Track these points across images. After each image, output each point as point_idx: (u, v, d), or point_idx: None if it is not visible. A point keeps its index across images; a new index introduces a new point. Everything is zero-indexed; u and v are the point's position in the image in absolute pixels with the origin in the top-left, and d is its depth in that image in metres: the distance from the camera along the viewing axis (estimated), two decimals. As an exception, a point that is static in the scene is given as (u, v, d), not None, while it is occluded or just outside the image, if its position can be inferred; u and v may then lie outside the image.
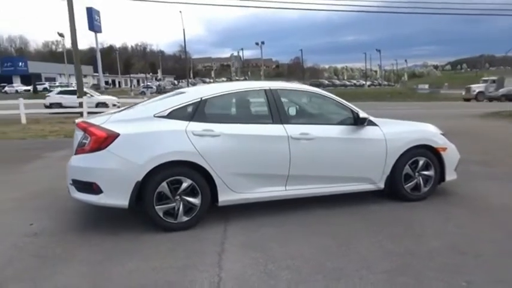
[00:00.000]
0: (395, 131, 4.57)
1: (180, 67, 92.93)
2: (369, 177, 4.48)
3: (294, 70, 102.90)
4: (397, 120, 5.30)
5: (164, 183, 3.74)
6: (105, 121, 3.84)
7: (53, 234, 3.82)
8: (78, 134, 3.90)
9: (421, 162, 4.63)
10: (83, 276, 2.97)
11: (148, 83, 67.81)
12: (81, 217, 4.29)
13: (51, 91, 28.79)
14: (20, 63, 59.45)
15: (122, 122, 3.84)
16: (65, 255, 3.34)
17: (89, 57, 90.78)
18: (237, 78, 69.80)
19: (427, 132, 4.80)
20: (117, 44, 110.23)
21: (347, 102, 4.53)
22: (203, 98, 4.05)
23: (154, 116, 3.86)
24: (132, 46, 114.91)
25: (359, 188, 4.48)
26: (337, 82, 67.01)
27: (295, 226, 3.94)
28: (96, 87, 54.39)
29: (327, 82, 64.90)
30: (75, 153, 3.84)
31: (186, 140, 3.79)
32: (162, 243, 3.57)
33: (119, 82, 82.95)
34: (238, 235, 3.75)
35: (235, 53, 77.01)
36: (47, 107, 19.43)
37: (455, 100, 34.17)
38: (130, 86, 73.82)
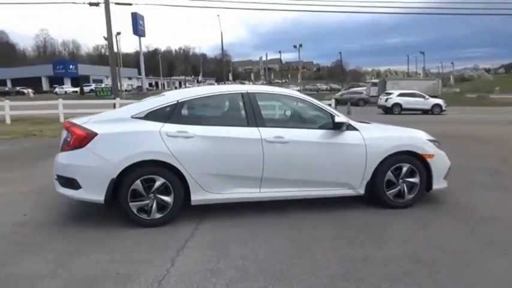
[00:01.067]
0: (377, 136, 4.50)
1: (221, 70, 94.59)
2: (348, 183, 4.44)
3: (335, 73, 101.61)
4: (387, 125, 5.21)
5: (138, 181, 3.94)
6: (87, 121, 4.11)
7: (39, 225, 4.13)
8: (64, 133, 4.19)
9: (404, 169, 4.52)
10: (46, 264, 3.21)
11: (188, 85, 69.58)
12: (72, 211, 4.57)
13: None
14: (71, 66, 63.16)
15: (101, 122, 4.09)
16: (41, 245, 3.62)
17: (134, 60, 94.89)
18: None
19: (412, 138, 4.67)
20: (162, 48, 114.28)
21: (327, 107, 4.53)
22: (179, 101, 4.22)
23: (131, 117, 4.08)
24: (175, 50, 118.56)
25: (337, 193, 4.46)
26: (377, 85, 65.25)
27: (264, 228, 3.99)
28: (139, 89, 56.63)
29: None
30: (61, 151, 4.13)
31: (159, 141, 3.96)
32: (132, 238, 3.76)
33: (162, 84, 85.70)
34: (206, 233, 3.88)
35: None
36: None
37: (506, 105, 32.18)
38: (171, 88, 76.08)
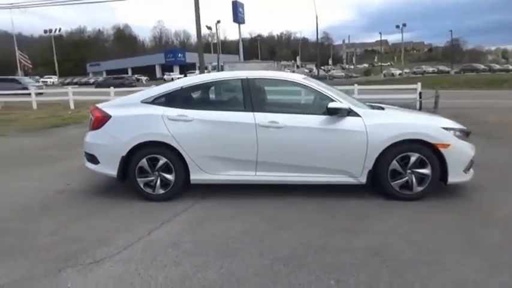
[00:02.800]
0: (381, 123, 4.25)
1: (321, 54, 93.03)
2: (347, 170, 4.31)
3: (450, 53, 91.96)
4: (407, 112, 4.85)
5: (144, 160, 4.42)
6: (106, 105, 4.70)
7: (73, 193, 4.90)
8: (90, 116, 4.86)
9: (413, 159, 4.20)
10: (54, 224, 3.87)
11: (286, 70, 70.16)
12: (105, 184, 5.26)
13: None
14: (179, 54, 68.57)
15: (116, 106, 4.65)
16: (61, 209, 4.34)
17: (237, 47, 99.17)
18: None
19: (422, 126, 4.28)
20: (264, 33, 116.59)
21: (330, 92, 4.40)
22: (183, 87, 4.56)
23: (141, 102, 4.55)
24: (277, 35, 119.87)
25: (337, 180, 4.36)
26: (497, 67, 56.99)
27: (253, 209, 4.15)
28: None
29: (482, 67, 55.90)
30: (88, 131, 4.81)
31: (161, 124, 4.37)
32: (132, 209, 4.27)
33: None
34: (198, 211, 4.19)
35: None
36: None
37: None
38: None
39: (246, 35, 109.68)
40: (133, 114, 4.48)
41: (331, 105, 4.17)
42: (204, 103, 4.58)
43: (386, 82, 33.42)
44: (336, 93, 4.61)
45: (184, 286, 2.67)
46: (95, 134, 4.59)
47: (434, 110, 14.69)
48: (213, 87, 4.76)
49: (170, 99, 4.51)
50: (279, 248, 3.23)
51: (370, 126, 4.22)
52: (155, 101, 4.52)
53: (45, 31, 62.15)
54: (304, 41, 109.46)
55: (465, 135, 4.49)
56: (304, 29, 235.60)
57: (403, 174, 4.24)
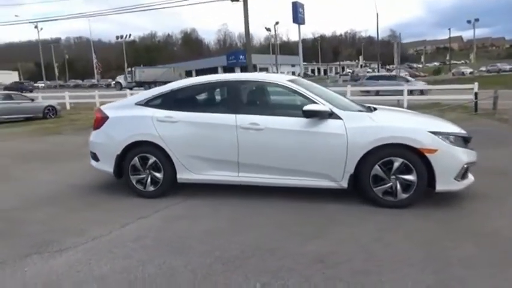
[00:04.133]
0: (363, 126, 4.08)
1: (387, 53, 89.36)
2: (328, 174, 4.20)
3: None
4: (401, 113, 4.61)
5: (136, 158, 4.69)
6: (107, 107, 5.06)
7: (82, 188, 5.33)
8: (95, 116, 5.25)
9: (396, 164, 3.99)
10: (48, 215, 4.28)
11: (348, 71, 68.45)
12: (110, 180, 5.62)
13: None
14: (241, 56, 69.83)
15: (114, 107, 4.99)
16: (63, 201, 4.76)
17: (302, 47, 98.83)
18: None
19: (405, 129, 4.03)
20: (328, 33, 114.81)
21: (312, 95, 4.32)
22: (173, 89, 4.76)
23: (135, 104, 4.83)
24: (341, 34, 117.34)
25: (318, 184, 4.27)
26: None
27: (229, 209, 4.23)
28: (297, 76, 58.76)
29: None
30: (92, 131, 5.20)
31: (150, 125, 4.61)
32: (121, 204, 4.55)
33: (324, 70, 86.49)
34: (179, 209, 4.36)
35: (439, 36, 68.06)
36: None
37: None
38: (326, 74, 76.20)
39: (309, 35, 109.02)
40: (128, 115, 4.78)
41: (306, 107, 4.10)
42: (190, 105, 4.73)
43: (453, 82, 31.25)
44: (323, 95, 4.52)
45: (120, 277, 2.84)
46: (96, 133, 4.96)
47: (494, 111, 13.56)
48: (199, 90, 4.90)
49: (161, 102, 4.74)
50: (230, 248, 3.28)
51: (351, 129, 4.08)
52: (148, 103, 4.78)
53: (117, 37, 66.99)
54: (370, 39, 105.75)
55: (462, 140, 4.16)
56: (370, 27, 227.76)
57: (386, 180, 4.04)
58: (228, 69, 69.73)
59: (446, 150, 3.93)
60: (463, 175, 4.03)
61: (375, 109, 4.80)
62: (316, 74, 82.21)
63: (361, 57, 68.64)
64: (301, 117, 4.23)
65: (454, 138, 4.06)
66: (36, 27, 54.38)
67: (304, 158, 4.22)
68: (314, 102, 4.23)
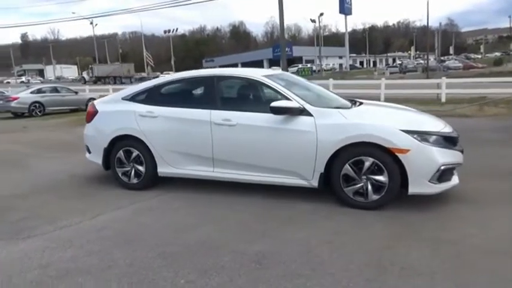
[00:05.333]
0: (331, 123, 3.93)
1: (443, 43, 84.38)
2: (298, 172, 4.10)
3: None
4: (385, 108, 4.42)
5: (121, 151, 4.87)
6: (99, 101, 5.27)
7: (80, 177, 5.62)
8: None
9: (367, 164, 3.80)
10: (38, 202, 4.57)
11: (399, 62, 65.61)
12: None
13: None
14: (287, 49, 69.03)
15: (104, 102, 5.19)
16: (57, 189, 5.06)
17: (350, 39, 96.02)
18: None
19: (374, 127, 3.80)
20: (379, 23, 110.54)
21: (286, 91, 4.21)
22: (155, 85, 4.86)
23: (121, 99, 4.99)
24: (393, 24, 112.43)
25: (290, 182, 4.19)
26: None
27: (202, 204, 4.29)
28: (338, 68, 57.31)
29: None
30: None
31: (133, 119, 4.75)
32: (105, 195, 4.74)
33: (374, 62, 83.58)
34: (155, 201, 4.47)
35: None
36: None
37: None
38: (375, 66, 73.46)
39: (359, 26, 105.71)
40: (114, 110, 4.95)
41: (273, 104, 4.01)
42: (169, 101, 4.79)
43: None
44: (302, 91, 4.42)
45: (61, 266, 2.97)
46: (88, 126, 5.20)
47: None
48: (178, 86, 4.95)
49: (144, 97, 4.86)
50: (179, 243, 3.32)
51: (321, 126, 3.95)
52: (133, 98, 4.92)
53: (165, 31, 69.06)
54: (424, 29, 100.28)
55: (444, 140, 3.88)
56: (425, 16, 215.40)
57: (357, 180, 3.87)
58: (274, 61, 69.48)
59: (419, 151, 3.68)
60: (440, 177, 3.75)
61: (361, 104, 4.63)
62: (365, 65, 79.59)
63: (412, 48, 65.33)
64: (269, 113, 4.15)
65: (432, 137, 3.79)
66: (91, 23, 57.53)
67: (275, 155, 4.15)
68: (287, 98, 4.13)
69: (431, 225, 3.50)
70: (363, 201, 3.88)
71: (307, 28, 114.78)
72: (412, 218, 3.67)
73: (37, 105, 16.96)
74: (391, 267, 2.78)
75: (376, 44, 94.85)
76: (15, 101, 16.73)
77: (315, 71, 50.86)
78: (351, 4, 54.43)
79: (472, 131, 8.70)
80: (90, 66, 57.39)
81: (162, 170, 4.71)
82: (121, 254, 3.14)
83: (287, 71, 54.41)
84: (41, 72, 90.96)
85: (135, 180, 4.85)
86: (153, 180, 4.83)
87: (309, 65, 56.55)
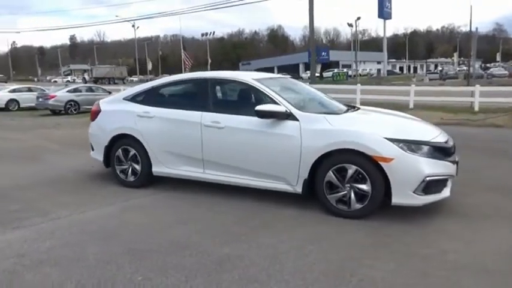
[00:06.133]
0: (316, 129, 3.87)
1: (491, 49, 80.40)
2: (283, 177, 4.07)
3: None
4: (380, 114, 4.37)
5: (120, 150, 5.03)
6: (103, 101, 5.48)
7: (83, 173, 5.86)
8: (94, 109, 5.69)
9: (350, 172, 3.71)
10: (37, 195, 4.80)
11: (439, 69, 63.16)
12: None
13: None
14: (323, 53, 68.24)
15: (107, 101, 5.38)
16: (56, 184, 5.28)
17: (391, 44, 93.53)
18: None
19: (357, 134, 3.69)
20: (422, 28, 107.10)
21: (275, 95, 4.19)
22: (153, 86, 4.99)
23: (123, 99, 5.16)
24: (437, 29, 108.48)
25: (275, 186, 4.16)
26: None
27: (192, 204, 4.37)
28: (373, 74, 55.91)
29: None
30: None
31: (132, 119, 4.89)
32: (102, 191, 4.91)
33: (414, 68, 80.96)
34: (149, 200, 4.57)
35: None
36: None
37: None
38: (416, 71, 71.08)
39: (401, 30, 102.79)
40: (115, 109, 5.13)
41: (258, 107, 4.00)
42: (165, 102, 4.89)
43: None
44: (293, 95, 4.40)
45: (35, 257, 3.10)
46: (92, 125, 5.42)
47: None
48: (174, 88, 5.05)
49: (143, 98, 5.00)
50: (151, 241, 3.39)
51: (306, 131, 3.90)
52: (133, 98, 5.07)
53: (202, 34, 70.31)
54: (469, 35, 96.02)
55: (433, 150, 3.72)
56: (473, 21, 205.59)
57: (340, 187, 3.79)
58: (309, 66, 69.08)
59: (403, 160, 3.55)
60: (425, 189, 3.60)
61: (357, 110, 4.58)
62: (404, 71, 77.27)
63: (455, 54, 62.60)
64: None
65: (419, 147, 3.65)
66: (133, 26, 59.66)
67: (261, 159, 4.14)
68: (275, 102, 4.11)
69: (410, 238, 3.36)
70: (345, 209, 3.79)
71: (346, 32, 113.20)
72: (393, 229, 3.55)
73: (72, 103, 17.82)
74: (349, 277, 2.70)
75: (418, 49, 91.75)
76: (53, 99, 17.67)
77: (350, 75, 49.90)
78: (390, 8, 53.12)
79: (495, 141, 8.27)
80: (90, 67, 63.99)
81: (157, 169, 4.82)
82: (93, 249, 3.25)
83: (318, 75, 53.46)
84: (86, 72, 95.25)
85: (131, 178, 5.00)
86: (148, 179, 4.95)
87: (344, 70, 55.56)
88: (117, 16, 53.00)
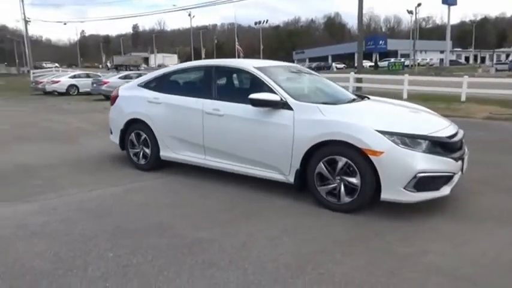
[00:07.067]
0: (309, 119, 3.77)
1: None
2: (277, 166, 4.03)
3: None
4: (380, 103, 4.22)
5: (133, 134, 5.27)
6: (122, 87, 5.72)
7: (99, 156, 6.17)
8: (114, 95, 5.96)
9: (340, 164, 3.60)
10: (56, 173, 5.18)
11: (510, 58, 58.01)
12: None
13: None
14: (381, 41, 65.58)
15: (126, 87, 5.61)
16: (75, 164, 5.64)
17: (457, 32, 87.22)
18: None
19: (348, 126, 3.53)
20: (493, 14, 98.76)
21: (273, 83, 4.13)
22: (164, 73, 5.13)
23: (137, 85, 5.36)
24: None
25: (269, 175, 4.14)
26: None
27: (191, 190, 4.47)
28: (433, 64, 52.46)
29: None
30: (111, 107, 5.92)
31: (143, 105, 5.09)
32: (117, 173, 5.17)
33: (482, 57, 75.04)
34: (153, 184, 4.73)
35: None
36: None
37: None
38: (483, 62, 65.77)
39: (469, 17, 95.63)
40: (130, 95, 5.35)
41: (251, 96, 3.96)
42: (173, 88, 4.99)
43: None
44: (294, 84, 4.33)
45: (34, 228, 3.36)
46: (111, 109, 5.70)
47: None
48: (181, 75, 5.14)
49: (154, 84, 5.17)
50: (138, 222, 3.52)
51: (298, 121, 3.83)
52: (146, 85, 5.26)
53: (256, 23, 70.25)
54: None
55: (432, 145, 3.49)
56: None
57: (330, 180, 3.69)
58: (365, 54, 66.54)
59: (394, 154, 3.37)
60: (418, 185, 3.39)
61: (363, 100, 4.44)
62: (471, 61, 71.97)
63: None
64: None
65: (414, 141, 3.43)
66: (189, 15, 61.24)
67: (256, 147, 4.13)
68: (271, 91, 4.07)
69: (396, 235, 3.20)
70: (335, 202, 3.69)
71: (408, 20, 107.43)
72: (382, 225, 3.40)
73: (123, 89, 18.76)
74: (310, 271, 2.65)
75: (488, 37, 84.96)
76: (106, 85, 18.70)
77: (407, 65, 47.47)
78: (456, -7, 49.35)
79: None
80: (112, 57, 73.60)
81: (164, 153, 4.98)
82: (83, 225, 3.45)
83: (373, 65, 51.20)
84: (146, 60, 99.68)
85: (142, 162, 5.22)
86: (157, 163, 5.13)
87: (402, 60, 52.97)
88: (174, 5, 54.82)
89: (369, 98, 4.69)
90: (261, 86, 4.20)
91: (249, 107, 4.15)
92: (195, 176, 4.87)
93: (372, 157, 3.41)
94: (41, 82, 22.97)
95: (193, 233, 3.29)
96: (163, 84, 5.10)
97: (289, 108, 3.92)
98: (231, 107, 4.31)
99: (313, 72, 5.51)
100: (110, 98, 5.75)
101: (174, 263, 2.77)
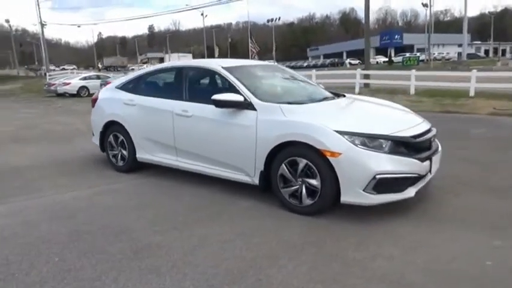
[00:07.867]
0: (270, 120, 3.69)
1: None
2: (243, 168, 3.98)
3: None
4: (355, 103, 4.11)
5: (111, 136, 5.29)
6: (103, 89, 5.76)
7: (87, 158, 6.22)
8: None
9: (301, 165, 3.51)
10: (39, 175, 5.25)
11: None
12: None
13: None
14: (396, 36, 64.61)
15: (104, 89, 5.64)
16: (61, 166, 5.70)
17: (476, 24, 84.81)
18: None
19: (305, 126, 3.44)
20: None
21: (239, 84, 4.06)
22: (139, 75, 5.13)
23: (115, 87, 5.38)
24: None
25: (236, 177, 4.08)
26: None
27: (160, 191, 4.46)
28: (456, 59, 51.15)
29: None
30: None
31: (119, 107, 5.11)
32: (93, 174, 5.22)
33: (503, 50, 72.85)
34: (126, 185, 4.74)
35: None
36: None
37: None
38: (504, 55, 63.82)
39: (489, 8, 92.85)
40: (109, 97, 5.38)
41: (214, 96, 3.90)
42: (147, 90, 4.97)
43: None
44: (259, 83, 4.27)
45: (15, 229, 3.44)
46: (92, 111, 5.74)
47: None
48: (154, 76, 5.13)
49: (130, 86, 5.17)
50: (97, 224, 3.52)
51: (261, 121, 3.76)
52: (123, 87, 5.27)
53: (268, 20, 70.00)
54: None
55: (398, 145, 3.38)
56: None
57: (293, 181, 3.61)
58: (380, 49, 65.64)
59: (351, 155, 3.26)
60: (378, 187, 3.27)
61: (343, 97, 4.39)
62: (490, 54, 69.96)
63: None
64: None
65: (374, 141, 3.31)
66: (202, 14, 61.46)
67: (223, 148, 4.09)
68: (237, 91, 4.00)
69: (352, 239, 3.11)
70: (297, 204, 3.61)
71: (425, 14, 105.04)
72: (340, 228, 3.31)
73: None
74: (249, 277, 2.59)
75: (508, 29, 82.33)
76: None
77: (422, 60, 46.45)
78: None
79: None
80: (103, 58, 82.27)
81: (140, 155, 4.99)
82: (43, 228, 3.48)
83: (387, 60, 50.13)
84: (161, 60, 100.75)
85: (121, 163, 5.24)
86: (135, 165, 5.13)
87: (417, 54, 51.88)
88: (187, 5, 55.19)
89: (344, 96, 4.58)
90: (228, 87, 4.15)
91: (215, 107, 4.10)
92: (170, 178, 4.85)
93: (330, 158, 3.31)
94: (53, 84, 23.44)
95: (149, 236, 3.26)
96: (139, 85, 5.10)
97: (254, 108, 3.86)
98: (198, 108, 4.27)
99: (290, 70, 5.40)
100: (92, 100, 5.79)
101: (116, 267, 2.76)
